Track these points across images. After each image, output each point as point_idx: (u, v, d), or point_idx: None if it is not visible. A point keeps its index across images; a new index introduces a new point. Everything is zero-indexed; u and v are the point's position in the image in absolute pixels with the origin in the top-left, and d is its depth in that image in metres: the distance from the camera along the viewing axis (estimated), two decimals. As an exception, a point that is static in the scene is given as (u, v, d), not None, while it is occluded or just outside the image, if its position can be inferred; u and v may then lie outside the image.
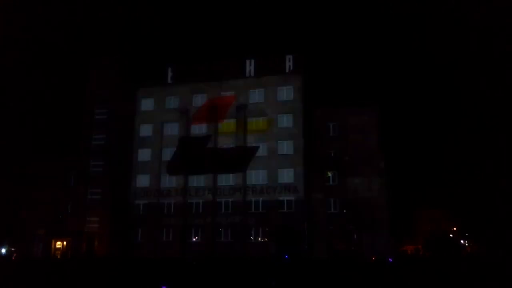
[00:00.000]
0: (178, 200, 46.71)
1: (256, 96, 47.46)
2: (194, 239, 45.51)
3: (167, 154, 48.38)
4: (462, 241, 59.10)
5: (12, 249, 45.12)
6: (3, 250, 43.99)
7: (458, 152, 53.35)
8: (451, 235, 57.86)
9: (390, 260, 32.78)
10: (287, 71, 46.95)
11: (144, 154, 49.04)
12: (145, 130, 49.82)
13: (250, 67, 47.92)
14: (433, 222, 58.98)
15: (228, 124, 47.53)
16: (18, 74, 47.01)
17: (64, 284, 21.71)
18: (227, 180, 46.51)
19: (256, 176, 45.66)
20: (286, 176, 44.96)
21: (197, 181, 47.22)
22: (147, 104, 50.48)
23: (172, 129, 48.92)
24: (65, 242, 47.38)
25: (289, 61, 47.02)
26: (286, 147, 45.69)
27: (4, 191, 44.26)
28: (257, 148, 45.54)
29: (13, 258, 40.47)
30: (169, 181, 47.78)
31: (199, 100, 48.86)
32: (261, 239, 44.07)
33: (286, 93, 46.73)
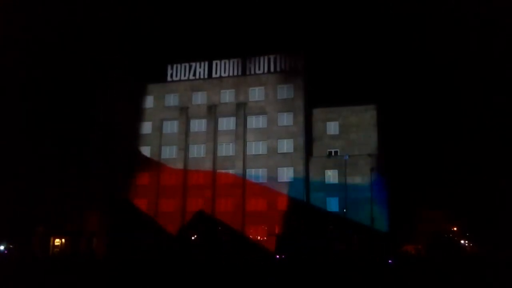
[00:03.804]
0: (178, 199, 46.77)
1: (256, 94, 47.51)
2: (193, 238, 45.54)
3: (166, 152, 48.50)
4: (462, 241, 59.04)
5: (11, 246, 45.14)
6: (2, 247, 44.00)
7: (458, 152, 53.30)
8: (451, 235, 57.77)
9: (390, 261, 32.69)
10: (287, 69, 46.98)
11: (143, 152, 49.18)
12: (144, 127, 49.87)
13: (250, 65, 47.98)
14: (433, 222, 58.85)
15: (228, 122, 47.69)
16: (18, 74, 46.93)
17: (63, 283, 21.67)
18: (226, 177, 46.62)
19: (256, 174, 45.73)
20: (286, 174, 45.04)
21: (196, 179, 47.34)
22: (146, 102, 50.54)
23: (172, 127, 49.04)
24: (63, 240, 47.38)
25: (289, 59, 47.05)
26: (286, 145, 45.73)
27: (3, 188, 44.30)
28: None
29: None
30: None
31: (199, 98, 48.95)
32: (260, 238, 44.10)
33: (286, 91, 46.76)
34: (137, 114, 49.55)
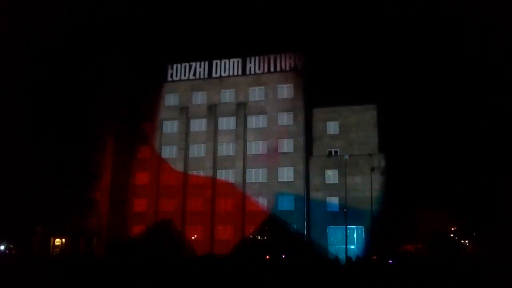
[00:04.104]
0: (178, 199, 46.77)
1: (256, 93, 47.53)
2: (193, 237, 45.55)
3: (166, 151, 48.53)
4: (462, 241, 58.98)
5: (11, 246, 45.12)
6: (2, 247, 44.00)
7: (458, 152, 53.25)
8: (451, 235, 57.72)
9: (391, 262, 32.59)
10: (287, 69, 47.00)
11: (143, 152, 49.18)
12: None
13: (250, 64, 48.02)
14: (433, 222, 58.84)
15: (228, 122, 47.71)
16: (18, 74, 46.99)
17: (63, 283, 21.66)
18: (226, 176, 46.61)
19: (256, 174, 45.74)
20: (286, 174, 45.05)
21: (196, 179, 47.34)
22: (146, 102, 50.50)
23: (172, 127, 49.07)
24: (64, 240, 47.39)
25: (290, 59, 47.08)
26: (286, 145, 45.74)
27: (3, 188, 44.34)
28: None
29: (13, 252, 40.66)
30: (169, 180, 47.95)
31: (199, 97, 48.98)
32: (260, 238, 44.07)
33: (286, 91, 46.81)
34: (137, 114, 49.54)
